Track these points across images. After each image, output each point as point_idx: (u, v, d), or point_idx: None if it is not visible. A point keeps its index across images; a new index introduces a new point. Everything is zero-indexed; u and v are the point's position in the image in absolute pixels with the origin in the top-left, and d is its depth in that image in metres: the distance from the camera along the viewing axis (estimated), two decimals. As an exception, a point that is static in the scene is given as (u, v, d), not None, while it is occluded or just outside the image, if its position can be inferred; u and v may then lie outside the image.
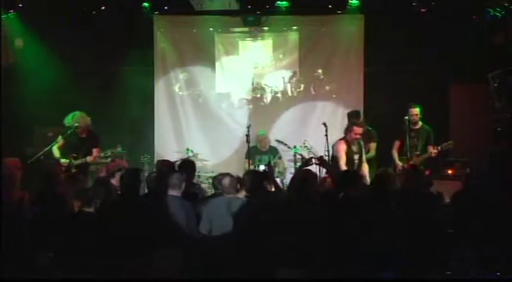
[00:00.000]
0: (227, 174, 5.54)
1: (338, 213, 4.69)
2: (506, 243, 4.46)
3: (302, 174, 5.16)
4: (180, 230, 4.72)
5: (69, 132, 7.04)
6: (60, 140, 7.11)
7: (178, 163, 6.33)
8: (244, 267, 4.45)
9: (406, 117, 7.23)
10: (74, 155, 7.04)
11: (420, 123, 7.30)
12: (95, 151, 7.08)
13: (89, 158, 7.02)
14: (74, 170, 6.91)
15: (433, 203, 5.05)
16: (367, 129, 7.35)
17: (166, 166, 6.11)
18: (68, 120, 7.14)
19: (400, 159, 7.28)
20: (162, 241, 4.47)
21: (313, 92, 9.32)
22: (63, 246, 4.50)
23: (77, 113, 7.18)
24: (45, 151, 7.02)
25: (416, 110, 7.25)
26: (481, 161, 6.92)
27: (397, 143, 7.43)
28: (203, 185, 7.45)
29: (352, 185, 5.02)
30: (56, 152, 7.07)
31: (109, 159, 7.87)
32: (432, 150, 7.06)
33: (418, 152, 7.15)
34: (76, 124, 7.05)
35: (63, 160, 7.00)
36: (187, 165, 6.03)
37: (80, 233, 4.51)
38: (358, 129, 6.85)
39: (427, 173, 6.77)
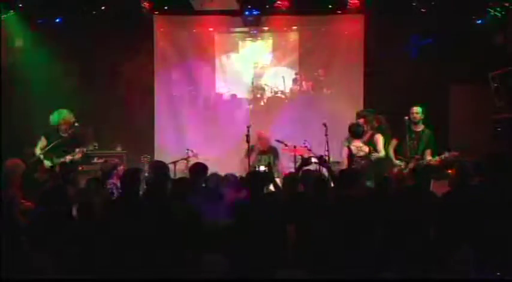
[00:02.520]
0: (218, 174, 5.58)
1: (338, 212, 4.70)
2: (505, 243, 4.46)
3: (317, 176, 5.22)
4: (182, 231, 4.72)
5: (51, 130, 7.06)
6: (43, 140, 7.08)
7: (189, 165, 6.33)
8: (245, 266, 4.46)
9: (406, 118, 7.18)
10: (56, 154, 6.98)
11: (422, 125, 7.14)
12: (77, 151, 7.02)
13: (68, 157, 6.92)
14: (57, 169, 6.77)
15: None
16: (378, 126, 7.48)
17: (160, 167, 6.04)
18: (54, 118, 7.10)
19: (397, 159, 7.21)
20: (163, 242, 4.47)
21: (313, 92, 9.33)
22: (63, 246, 4.50)
23: (64, 111, 7.15)
24: (45, 151, 7.02)
25: (417, 109, 7.10)
26: (466, 161, 6.85)
27: (394, 142, 7.34)
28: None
29: (351, 185, 5.03)
30: (38, 151, 7.03)
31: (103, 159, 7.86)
32: (432, 158, 6.90)
33: (418, 156, 7.08)
34: (61, 121, 7.04)
35: (46, 162, 6.95)
36: (196, 169, 5.98)
37: (80, 233, 4.51)
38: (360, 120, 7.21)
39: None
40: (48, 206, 4.66)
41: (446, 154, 6.85)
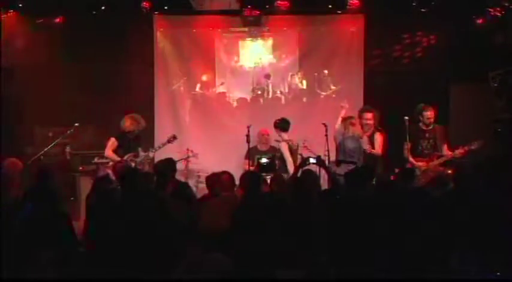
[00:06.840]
0: (224, 172, 5.57)
1: (340, 213, 4.69)
2: (505, 243, 4.46)
3: (302, 175, 5.18)
4: (181, 230, 4.72)
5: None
6: (114, 142, 7.46)
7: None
8: (244, 266, 4.45)
9: (407, 117, 7.15)
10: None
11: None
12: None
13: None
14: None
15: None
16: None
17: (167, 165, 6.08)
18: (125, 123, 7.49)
19: (417, 161, 7.12)
20: (163, 241, 4.47)
21: (313, 92, 9.32)
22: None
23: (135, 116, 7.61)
24: (45, 151, 7.02)
25: (431, 113, 7.13)
26: (465, 162, 6.87)
27: (408, 145, 7.16)
28: (203, 185, 7.43)
29: (359, 185, 5.02)
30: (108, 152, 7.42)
31: None
32: (456, 151, 6.96)
33: (438, 153, 7.09)
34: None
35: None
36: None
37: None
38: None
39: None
40: (35, 203, 4.65)
41: (471, 145, 6.88)
